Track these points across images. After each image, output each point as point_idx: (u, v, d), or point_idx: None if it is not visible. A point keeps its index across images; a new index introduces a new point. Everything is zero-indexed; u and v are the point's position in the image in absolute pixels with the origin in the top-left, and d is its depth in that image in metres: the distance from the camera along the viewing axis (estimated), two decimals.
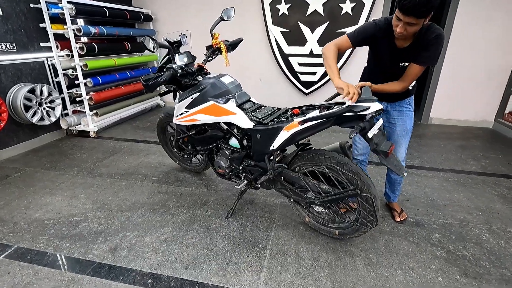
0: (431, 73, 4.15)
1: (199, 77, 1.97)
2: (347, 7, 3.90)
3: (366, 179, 1.49)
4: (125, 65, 4.22)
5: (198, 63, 2.01)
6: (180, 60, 1.90)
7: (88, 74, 3.55)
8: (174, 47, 2.02)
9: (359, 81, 1.75)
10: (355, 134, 1.30)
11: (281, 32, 4.23)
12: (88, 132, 3.58)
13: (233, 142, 1.94)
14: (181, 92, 2.00)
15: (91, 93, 3.53)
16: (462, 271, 1.58)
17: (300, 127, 1.46)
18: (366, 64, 1.88)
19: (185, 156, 2.58)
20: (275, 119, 1.66)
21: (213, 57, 2.07)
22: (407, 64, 1.59)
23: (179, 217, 2.04)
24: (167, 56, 1.99)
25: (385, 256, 1.69)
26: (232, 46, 2.11)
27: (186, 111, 1.93)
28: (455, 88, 4.10)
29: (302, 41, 4.22)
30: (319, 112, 1.53)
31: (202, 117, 1.86)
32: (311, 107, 1.64)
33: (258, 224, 1.97)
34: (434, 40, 1.46)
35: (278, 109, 1.81)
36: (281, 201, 2.21)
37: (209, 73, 2.04)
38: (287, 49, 4.30)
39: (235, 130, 1.86)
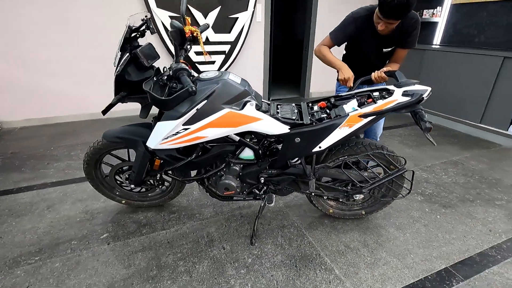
0: (306, 53, 4.84)
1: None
2: None
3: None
4: None
5: (181, 60, 1.43)
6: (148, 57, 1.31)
7: None
8: (137, 36, 1.35)
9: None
10: (430, 123, 1.34)
11: (170, 17, 3.64)
12: None
13: (246, 154, 1.58)
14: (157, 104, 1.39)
15: None
16: (427, 200, 2.08)
17: (364, 120, 1.38)
18: (344, 52, 1.96)
19: (146, 189, 1.88)
20: (311, 118, 1.48)
21: (189, 49, 1.54)
22: (389, 49, 1.79)
23: (198, 270, 1.50)
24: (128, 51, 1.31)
25: (401, 217, 1.95)
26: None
27: (186, 129, 1.36)
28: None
29: None
30: (358, 102, 1.49)
31: (212, 132, 1.38)
32: (340, 98, 1.57)
33: (288, 236, 1.76)
34: (413, 25, 1.69)
35: (297, 105, 1.61)
36: (284, 202, 2.06)
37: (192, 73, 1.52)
38: None
39: (248, 140, 1.52)
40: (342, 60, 1.92)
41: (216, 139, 1.48)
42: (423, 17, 4.25)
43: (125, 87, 1.40)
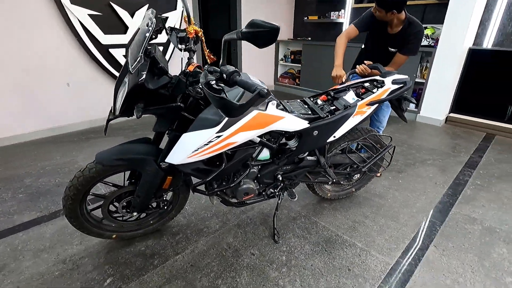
0: (236, 54, 4.93)
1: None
2: None
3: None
4: None
5: (193, 64, 1.29)
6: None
7: None
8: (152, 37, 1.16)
9: (356, 60, 2.21)
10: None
11: (90, 15, 3.10)
12: None
13: (264, 155, 1.57)
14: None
15: None
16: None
17: (372, 108, 1.57)
18: (363, 46, 2.22)
19: (147, 213, 1.63)
20: (324, 110, 1.59)
21: (195, 51, 1.40)
22: (394, 50, 2.01)
23: (241, 283, 1.41)
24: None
25: (377, 187, 2.29)
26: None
27: (219, 136, 1.26)
28: (252, 61, 5.22)
29: (121, 28, 3.37)
30: (355, 92, 1.69)
31: (242, 136, 1.32)
32: (337, 91, 1.73)
33: (303, 226, 1.84)
34: (414, 35, 1.90)
35: (302, 101, 1.69)
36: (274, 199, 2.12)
37: None
38: (105, 39, 3.26)
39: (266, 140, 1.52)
40: (360, 53, 2.25)
41: (241, 143, 1.42)
42: (330, 18, 4.95)
43: (141, 98, 1.18)
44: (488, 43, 3.53)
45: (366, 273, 1.49)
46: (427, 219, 1.91)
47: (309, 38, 5.34)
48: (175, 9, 3.74)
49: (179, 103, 1.23)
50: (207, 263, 1.54)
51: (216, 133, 1.25)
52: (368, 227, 1.83)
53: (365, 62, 1.88)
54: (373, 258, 1.59)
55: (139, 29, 1.21)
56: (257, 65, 5.31)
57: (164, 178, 1.44)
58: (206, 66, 1.20)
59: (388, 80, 1.66)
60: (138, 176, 1.49)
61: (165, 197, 1.59)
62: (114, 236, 1.61)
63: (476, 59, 3.53)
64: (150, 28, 1.12)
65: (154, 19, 1.15)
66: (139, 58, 1.09)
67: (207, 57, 1.51)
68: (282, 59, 5.67)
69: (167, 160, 1.30)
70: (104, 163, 1.31)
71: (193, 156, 1.27)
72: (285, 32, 5.59)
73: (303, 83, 5.34)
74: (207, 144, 1.26)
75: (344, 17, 4.85)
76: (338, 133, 1.58)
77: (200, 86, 1.20)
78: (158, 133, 1.47)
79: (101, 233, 1.56)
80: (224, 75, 1.03)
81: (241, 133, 1.31)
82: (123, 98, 1.16)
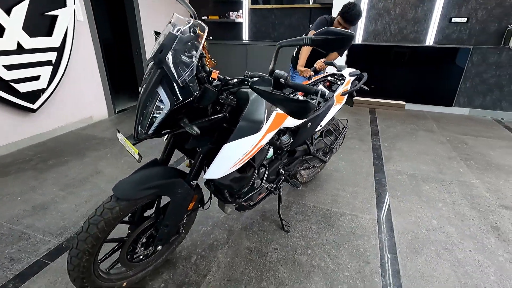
0: (138, 56, 4.47)
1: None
2: None
3: None
4: None
5: (214, 71, 1.21)
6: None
7: None
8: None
9: (294, 57, 2.36)
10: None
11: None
12: None
13: (270, 153, 1.64)
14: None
15: None
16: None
17: (345, 98, 1.85)
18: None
19: (163, 244, 1.41)
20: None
21: (205, 56, 1.30)
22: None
23: (283, 277, 1.47)
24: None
25: (344, 152, 2.69)
26: None
27: (256, 141, 1.25)
28: None
29: None
30: (323, 85, 1.96)
31: (268, 138, 1.36)
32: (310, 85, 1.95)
33: (299, 210, 2.01)
34: None
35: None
36: None
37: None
38: None
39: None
40: (298, 52, 2.53)
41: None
42: (230, 18, 5.17)
43: (181, 113, 1.04)
44: (359, 39, 4.59)
45: (365, 231, 1.82)
46: (376, 179, 2.45)
47: (211, 38, 5.41)
48: (65, 5, 3.06)
49: (224, 113, 1.15)
50: (242, 272, 1.51)
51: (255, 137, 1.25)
52: (344, 197, 2.19)
53: (320, 60, 2.19)
54: (362, 218, 1.94)
55: (173, 35, 1.03)
56: None
57: (191, 199, 1.31)
58: (247, 72, 1.17)
59: (345, 73, 2.01)
60: (157, 205, 1.29)
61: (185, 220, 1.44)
62: (124, 284, 1.34)
63: (355, 52, 4.53)
64: (201, 33, 1.01)
65: (204, 25, 1.04)
66: (190, 69, 0.98)
67: (206, 62, 1.43)
68: None
69: (206, 176, 1.20)
70: (130, 197, 1.09)
71: (235, 165, 1.23)
72: None
73: None
74: (247, 151, 1.24)
75: (243, 17, 5.16)
76: (323, 122, 1.82)
77: (247, 90, 1.18)
78: (169, 153, 1.31)
79: (111, 285, 1.27)
80: (282, 80, 1.06)
81: (267, 135, 1.35)
82: (163, 116, 1.00)
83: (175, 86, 0.99)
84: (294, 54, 2.73)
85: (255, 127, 1.21)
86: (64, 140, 3.15)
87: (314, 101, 1.06)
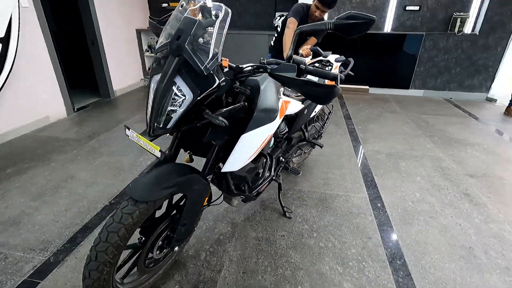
0: (96, 49, 4.07)
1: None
2: None
3: None
4: None
5: (224, 59, 1.14)
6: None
7: None
8: None
9: (274, 44, 2.36)
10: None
11: None
12: None
13: (271, 142, 1.64)
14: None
15: None
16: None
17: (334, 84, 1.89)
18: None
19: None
20: None
21: None
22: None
23: (296, 261, 1.50)
24: None
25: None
26: None
27: (273, 130, 1.24)
28: (118, 55, 4.51)
29: None
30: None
31: (277, 126, 1.35)
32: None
33: (296, 196, 2.05)
34: None
35: None
36: None
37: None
38: None
39: None
40: (277, 40, 2.53)
41: None
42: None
43: (203, 105, 0.97)
44: None
45: (360, 209, 1.93)
46: (358, 160, 2.59)
47: None
48: None
49: (243, 103, 1.10)
50: (255, 262, 1.50)
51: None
52: (334, 179, 2.28)
53: (306, 46, 2.20)
54: (355, 198, 2.05)
55: (191, 19, 0.94)
56: (123, 59, 4.62)
57: (207, 194, 1.25)
58: (262, 59, 1.13)
59: (331, 59, 2.06)
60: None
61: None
62: None
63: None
64: (225, 18, 0.94)
65: (228, 9, 0.96)
66: (215, 56, 0.91)
67: None
68: (147, 50, 5.17)
69: (225, 169, 1.15)
70: (150, 199, 1.00)
71: (252, 156, 1.20)
72: (143, 20, 5.07)
73: None
74: (263, 142, 1.22)
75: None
76: (317, 108, 1.86)
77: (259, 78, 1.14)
78: (176, 149, 1.23)
79: None
80: (302, 66, 1.04)
81: (277, 122, 1.34)
82: (185, 108, 0.93)
83: (197, 75, 0.92)
84: (273, 43, 2.72)
85: (271, 115, 1.19)
86: (20, 145, 2.78)
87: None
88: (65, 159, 2.52)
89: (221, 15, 0.96)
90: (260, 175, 1.48)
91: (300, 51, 2.18)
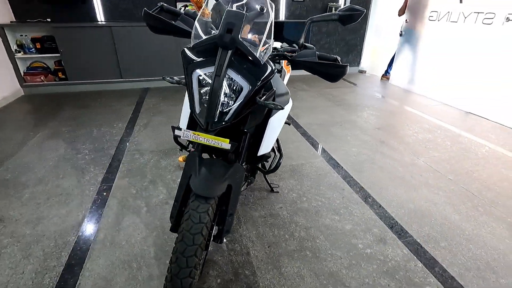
0: None
1: None
2: None
3: None
4: None
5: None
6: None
7: None
8: None
9: None
10: None
11: None
12: None
13: None
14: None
15: None
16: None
17: (289, 67, 2.13)
18: None
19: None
20: None
21: None
22: None
23: (300, 235, 1.74)
24: None
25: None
26: None
27: (288, 110, 1.39)
28: None
29: None
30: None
31: None
32: None
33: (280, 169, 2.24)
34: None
35: None
36: None
37: None
38: None
39: None
40: None
41: None
42: None
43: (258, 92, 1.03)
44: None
45: (324, 170, 2.31)
46: (301, 133, 2.98)
47: (49, 20, 4.23)
48: None
49: (274, 88, 1.19)
50: (273, 235, 1.65)
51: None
52: (292, 152, 2.59)
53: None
54: (316, 162, 2.42)
55: (239, 13, 0.96)
56: None
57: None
58: (281, 46, 1.23)
59: (278, 46, 2.28)
60: None
61: None
62: None
63: None
64: (270, 11, 1.00)
65: (272, 2, 1.00)
66: (268, 46, 0.98)
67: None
68: (18, 51, 4.10)
69: (261, 152, 1.24)
70: (215, 194, 1.01)
71: (277, 136, 1.32)
72: (3, 13, 3.97)
73: (73, 77, 4.34)
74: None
75: None
76: None
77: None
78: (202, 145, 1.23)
79: None
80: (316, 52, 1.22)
81: (291, 103, 1.50)
82: (244, 99, 0.98)
83: (250, 66, 0.98)
84: None
85: (286, 98, 1.34)
86: None
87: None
88: None
89: (268, 7, 1.03)
90: (276, 151, 1.63)
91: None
